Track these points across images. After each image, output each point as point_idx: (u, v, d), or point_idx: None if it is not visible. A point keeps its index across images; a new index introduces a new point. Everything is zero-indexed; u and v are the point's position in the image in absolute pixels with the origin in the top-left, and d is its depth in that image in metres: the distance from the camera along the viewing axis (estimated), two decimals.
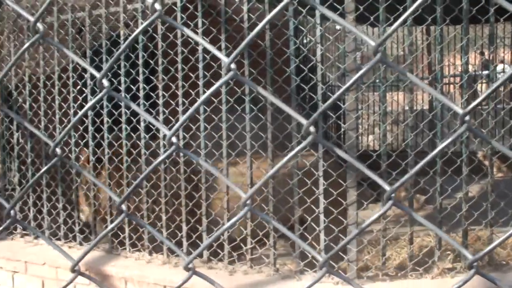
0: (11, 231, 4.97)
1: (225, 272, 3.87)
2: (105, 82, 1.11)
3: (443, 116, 3.86)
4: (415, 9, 0.96)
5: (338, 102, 5.04)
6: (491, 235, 3.63)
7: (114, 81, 4.27)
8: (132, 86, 4.24)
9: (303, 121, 0.98)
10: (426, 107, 9.86)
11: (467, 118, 0.89)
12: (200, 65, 3.97)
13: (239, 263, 3.92)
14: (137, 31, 1.12)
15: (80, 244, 4.58)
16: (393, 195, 0.95)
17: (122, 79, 4.29)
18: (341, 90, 1.00)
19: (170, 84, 4.11)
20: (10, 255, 4.57)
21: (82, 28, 4.53)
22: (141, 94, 4.22)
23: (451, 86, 12.40)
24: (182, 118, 3.94)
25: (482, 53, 14.12)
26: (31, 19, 1.15)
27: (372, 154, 3.73)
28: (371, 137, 11.52)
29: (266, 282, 3.70)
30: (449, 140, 0.93)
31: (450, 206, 3.69)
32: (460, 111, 0.90)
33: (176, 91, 4.09)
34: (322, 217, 3.63)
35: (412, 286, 3.47)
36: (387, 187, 0.96)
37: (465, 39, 3.68)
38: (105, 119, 4.34)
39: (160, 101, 4.16)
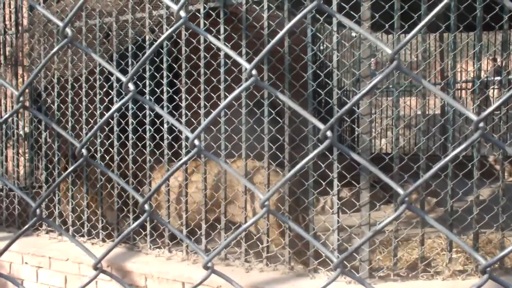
0: (37, 227, 5.09)
1: (242, 269, 3.94)
2: (131, 86, 1.12)
3: (454, 121, 3.87)
4: (430, 18, 0.95)
5: (353, 107, 5.10)
6: (502, 239, 3.65)
7: (139, 83, 4.38)
8: (157, 89, 4.34)
9: (321, 126, 0.99)
10: (438, 112, 9.91)
11: (481, 124, 0.88)
12: (222, 70, 4.07)
13: (256, 261, 3.97)
14: (162, 36, 1.14)
15: (103, 241, 4.69)
16: (406, 199, 0.95)
17: (147, 82, 4.40)
18: (358, 96, 1.00)
19: (193, 87, 4.21)
20: (35, 251, 4.67)
21: (109, 32, 4.63)
22: (165, 96, 4.32)
23: (463, 91, 12.41)
24: (203, 120, 4.06)
25: (494, 59, 14.12)
26: (60, 24, 1.16)
27: (385, 157, 3.79)
28: (384, 140, 11.57)
29: (281, 280, 3.75)
30: (463, 146, 0.92)
31: (461, 209, 3.71)
32: (474, 117, 0.89)
33: (198, 94, 4.20)
34: (335, 217, 3.70)
35: (423, 287, 3.49)
36: (400, 191, 0.96)
37: (478, 46, 3.71)
38: (130, 120, 4.48)
39: (183, 104, 4.26)
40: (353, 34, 7.93)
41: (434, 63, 10.81)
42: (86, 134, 4.67)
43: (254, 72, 1.03)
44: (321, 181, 3.76)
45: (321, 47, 8.51)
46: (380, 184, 3.94)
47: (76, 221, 4.83)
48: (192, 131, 1.10)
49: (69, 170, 1.24)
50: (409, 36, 0.95)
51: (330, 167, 3.68)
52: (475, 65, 3.83)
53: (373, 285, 2.69)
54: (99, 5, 4.57)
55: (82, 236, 4.78)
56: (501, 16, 3.67)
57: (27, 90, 4.95)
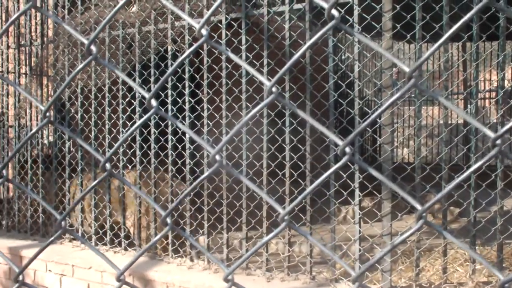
0: (60, 235, 5.15)
1: (263, 279, 3.94)
2: (154, 102, 1.11)
3: (477, 131, 3.83)
4: (451, 34, 0.93)
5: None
6: None
7: (162, 94, 4.43)
8: (179, 99, 4.39)
9: (339, 142, 0.97)
10: (460, 121, 9.84)
11: (498, 141, 0.86)
12: (243, 80, 4.10)
13: (277, 270, 3.97)
14: (184, 55, 1.14)
15: (125, 249, 4.73)
16: (424, 214, 0.93)
17: (169, 92, 4.43)
18: (376, 113, 0.98)
19: (215, 97, 4.26)
20: (59, 259, 4.73)
21: (132, 43, 4.70)
22: (186, 106, 4.36)
23: (487, 101, 12.31)
24: (225, 130, 4.06)
25: None
26: (86, 41, 1.16)
27: (407, 167, 3.77)
28: (406, 150, 11.52)
29: None
30: (481, 162, 0.90)
31: (485, 219, 3.65)
32: (491, 134, 0.87)
33: (220, 104, 4.23)
34: (357, 227, 3.69)
35: None
36: (418, 207, 0.95)
37: (502, 55, 3.69)
38: (152, 129, 4.51)
39: (205, 114, 4.30)
40: None
41: (457, 73, 10.74)
42: (109, 144, 4.73)
43: (274, 89, 1.01)
44: (343, 191, 3.76)
45: (343, 57, 8.52)
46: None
47: (99, 230, 4.87)
48: (214, 142, 1.08)
49: (94, 183, 1.24)
50: (428, 52, 0.94)
51: (351, 177, 3.67)
52: (498, 75, 3.80)
53: None
54: (122, 16, 4.64)
55: (105, 244, 4.83)
56: None
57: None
